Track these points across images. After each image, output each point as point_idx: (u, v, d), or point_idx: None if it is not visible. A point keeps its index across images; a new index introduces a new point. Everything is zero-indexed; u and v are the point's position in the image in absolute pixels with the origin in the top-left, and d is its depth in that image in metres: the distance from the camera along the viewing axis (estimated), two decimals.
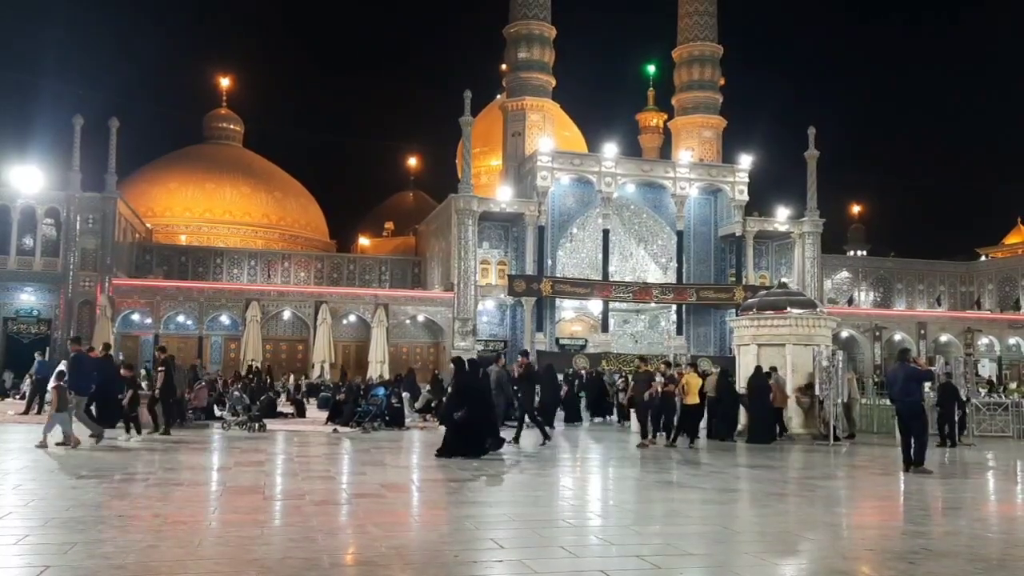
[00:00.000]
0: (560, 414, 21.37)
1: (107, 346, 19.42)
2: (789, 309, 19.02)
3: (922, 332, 49.92)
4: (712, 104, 52.85)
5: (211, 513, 8.03)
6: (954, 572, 5.94)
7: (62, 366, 15.98)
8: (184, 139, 65.20)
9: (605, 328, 45.39)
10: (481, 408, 13.35)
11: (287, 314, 43.70)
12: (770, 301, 19.84)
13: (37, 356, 23.14)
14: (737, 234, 47.30)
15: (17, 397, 27.36)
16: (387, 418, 19.32)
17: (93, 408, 14.80)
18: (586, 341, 46.63)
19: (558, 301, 45.75)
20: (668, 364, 18.95)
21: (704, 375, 18.59)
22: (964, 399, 17.89)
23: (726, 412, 17.54)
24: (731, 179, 47.31)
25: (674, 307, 46.62)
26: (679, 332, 46.18)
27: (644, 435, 15.73)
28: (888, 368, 17.84)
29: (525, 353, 16.96)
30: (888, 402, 20.33)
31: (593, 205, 46.43)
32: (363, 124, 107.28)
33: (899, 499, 10.11)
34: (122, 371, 16.01)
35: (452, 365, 14.80)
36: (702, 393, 16.77)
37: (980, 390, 23.26)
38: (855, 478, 12.26)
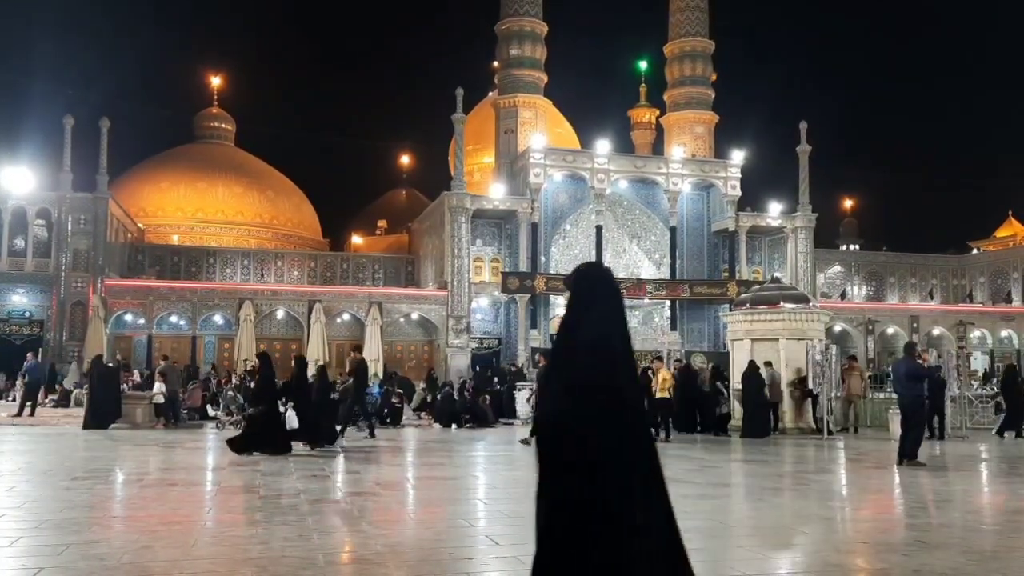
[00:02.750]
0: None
1: (99, 357, 19.48)
2: (782, 304, 19.07)
3: (915, 325, 50.09)
4: (704, 100, 52.90)
5: (206, 513, 8.02)
6: (947, 564, 5.97)
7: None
8: (175, 138, 65.00)
9: None
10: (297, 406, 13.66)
11: (281, 313, 43.62)
12: (763, 296, 19.89)
13: (29, 357, 22.97)
14: (730, 229, 47.37)
15: (10, 399, 27.23)
16: (387, 418, 19.33)
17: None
18: None
19: (552, 298, 45.76)
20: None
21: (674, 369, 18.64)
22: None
23: (718, 407, 17.61)
24: (723, 174, 47.39)
25: (668, 303, 46.68)
26: (673, 328, 46.23)
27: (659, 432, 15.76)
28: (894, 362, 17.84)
29: (358, 348, 17.13)
30: (880, 396, 20.47)
31: (586, 202, 46.45)
32: (355, 122, 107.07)
33: (893, 492, 10.14)
34: None
35: (293, 363, 15.30)
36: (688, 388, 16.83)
37: (973, 383, 23.40)
38: (849, 472, 12.30)
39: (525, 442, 15.02)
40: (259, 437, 12.79)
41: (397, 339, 45.66)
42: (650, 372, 17.14)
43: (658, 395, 16.19)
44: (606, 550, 3.17)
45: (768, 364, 17.89)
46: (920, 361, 13.09)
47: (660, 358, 17.53)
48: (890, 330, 50.49)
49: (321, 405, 14.38)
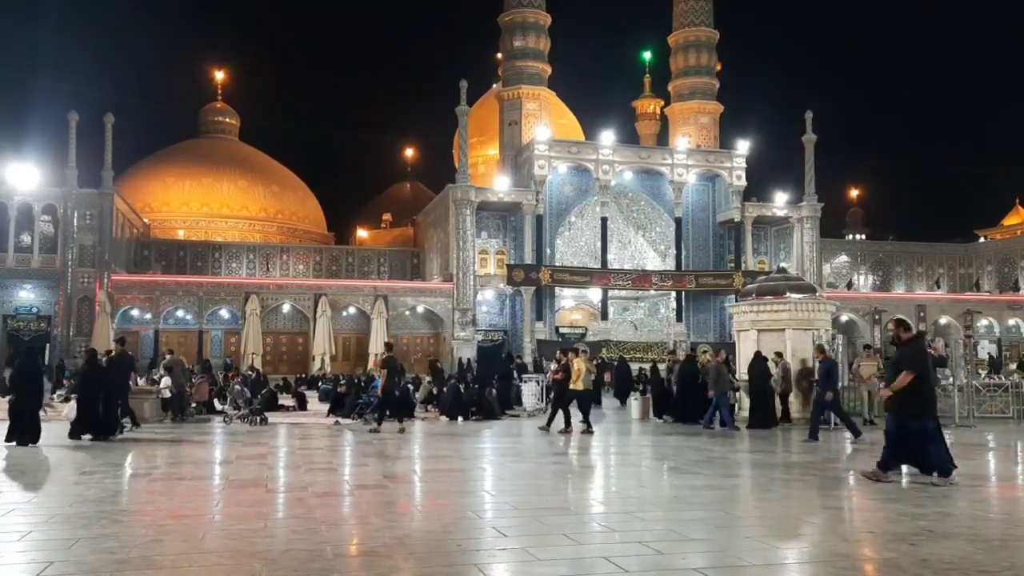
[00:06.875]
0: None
1: (94, 352, 19.25)
2: (788, 294, 19.01)
3: (921, 315, 49.97)
4: (709, 90, 52.73)
5: (214, 507, 8.04)
6: (955, 553, 5.96)
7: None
8: (180, 133, 65.19)
9: (605, 316, 45.42)
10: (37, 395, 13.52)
11: (287, 307, 43.71)
12: (769, 286, 19.83)
13: None
14: (735, 220, 47.27)
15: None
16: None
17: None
18: (586, 329, 46.69)
19: (557, 290, 45.77)
20: (564, 352, 18.10)
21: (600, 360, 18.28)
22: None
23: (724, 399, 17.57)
24: (729, 165, 47.27)
25: (673, 294, 46.65)
26: (679, 319, 46.23)
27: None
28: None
29: (170, 351, 17.34)
30: None
31: (591, 193, 46.38)
32: (359, 116, 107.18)
33: (900, 481, 10.12)
34: None
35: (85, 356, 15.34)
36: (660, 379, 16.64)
37: (979, 371, 23.33)
38: (855, 461, 12.27)
39: (374, 431, 15.40)
40: (20, 427, 12.80)
41: (403, 332, 45.72)
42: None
43: (572, 387, 16.06)
44: None
45: (779, 355, 17.83)
46: (930, 350, 13.04)
47: (575, 350, 17.16)
48: None
49: (103, 395, 14.10)
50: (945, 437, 10.00)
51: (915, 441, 9.28)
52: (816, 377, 15.70)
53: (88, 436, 13.60)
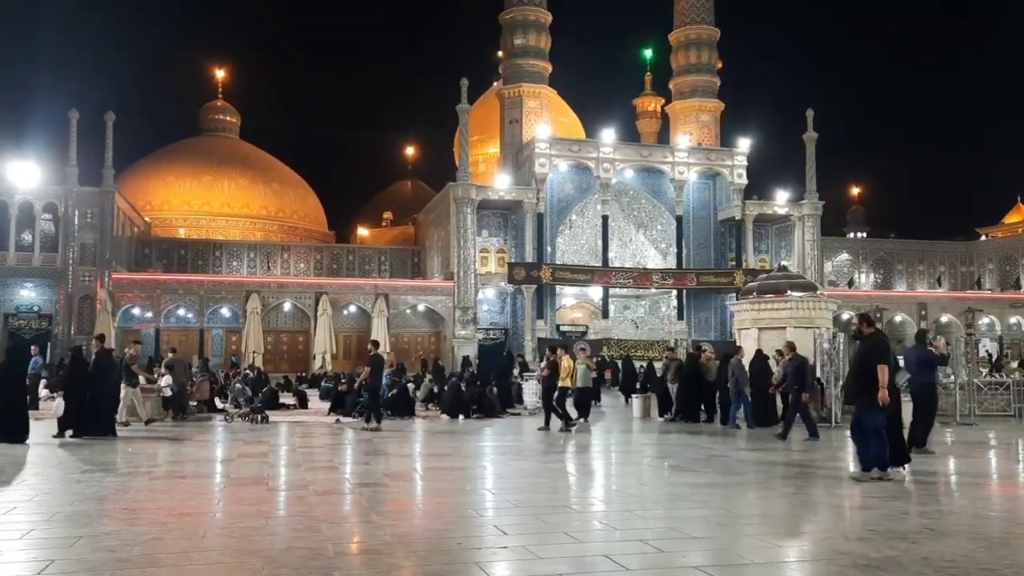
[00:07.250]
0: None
1: (79, 348, 19.13)
2: (789, 292, 19.01)
3: (923, 313, 49.94)
4: (710, 88, 52.68)
5: (215, 505, 8.05)
6: (956, 551, 5.96)
7: None
8: (180, 132, 65.14)
9: (606, 314, 45.41)
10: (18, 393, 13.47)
11: (287, 306, 43.71)
12: (770, 284, 19.82)
13: (35, 351, 22.97)
14: (736, 218, 47.23)
15: None
16: (389, 410, 19.31)
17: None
18: (587, 328, 46.68)
19: (558, 288, 45.75)
20: (553, 350, 18.22)
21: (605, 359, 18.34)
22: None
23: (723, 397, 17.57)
24: (730, 163, 47.22)
25: (675, 292, 46.63)
26: (680, 317, 46.21)
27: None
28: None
29: (173, 350, 17.23)
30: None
31: (592, 191, 46.35)
32: (360, 114, 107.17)
33: (901, 479, 10.11)
34: None
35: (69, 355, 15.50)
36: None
37: (981, 369, 23.31)
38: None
39: (375, 430, 15.56)
40: (11, 425, 12.79)
41: (404, 331, 45.74)
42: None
43: (560, 384, 16.10)
44: None
45: (780, 353, 17.81)
46: (931, 348, 13.05)
47: (566, 347, 17.18)
48: (898, 318, 50.34)
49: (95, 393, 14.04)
50: (893, 433, 10.10)
51: (854, 432, 9.53)
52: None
53: (70, 433, 13.55)
